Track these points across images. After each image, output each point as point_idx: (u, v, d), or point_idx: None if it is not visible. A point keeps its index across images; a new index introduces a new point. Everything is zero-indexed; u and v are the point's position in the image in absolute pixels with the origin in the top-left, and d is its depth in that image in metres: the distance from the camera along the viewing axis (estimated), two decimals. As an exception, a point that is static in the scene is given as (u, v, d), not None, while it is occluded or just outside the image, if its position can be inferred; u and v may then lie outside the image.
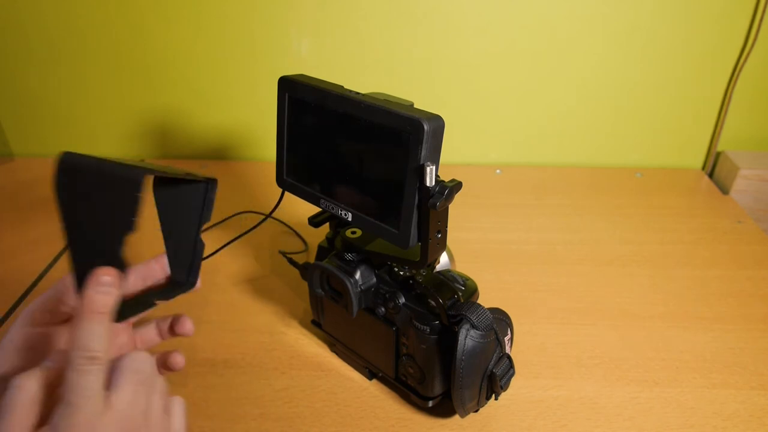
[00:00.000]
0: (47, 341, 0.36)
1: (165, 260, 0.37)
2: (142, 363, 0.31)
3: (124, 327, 0.40)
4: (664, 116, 0.85)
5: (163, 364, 0.40)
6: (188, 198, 0.37)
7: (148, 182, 0.31)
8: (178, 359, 0.39)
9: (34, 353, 0.35)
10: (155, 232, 0.36)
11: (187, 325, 0.40)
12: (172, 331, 0.40)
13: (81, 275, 0.30)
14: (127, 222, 0.30)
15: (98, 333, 0.29)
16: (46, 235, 0.70)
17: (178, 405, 0.34)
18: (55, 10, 0.80)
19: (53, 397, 0.29)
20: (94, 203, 0.30)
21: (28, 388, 0.29)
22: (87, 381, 0.28)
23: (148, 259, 0.37)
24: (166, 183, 0.36)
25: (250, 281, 0.63)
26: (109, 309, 0.30)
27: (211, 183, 0.37)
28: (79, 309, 0.29)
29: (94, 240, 0.31)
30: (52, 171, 0.29)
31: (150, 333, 0.41)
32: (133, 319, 0.40)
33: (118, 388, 0.30)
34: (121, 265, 0.31)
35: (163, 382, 0.33)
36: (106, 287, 0.30)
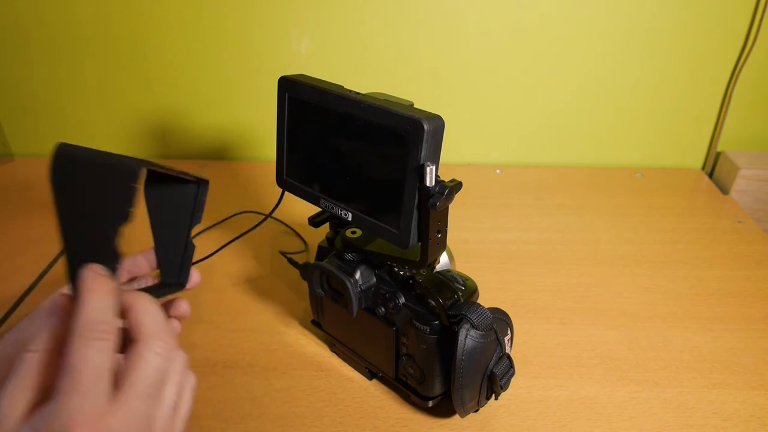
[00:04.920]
0: None
1: (152, 255, 0.37)
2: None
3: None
4: (664, 116, 0.85)
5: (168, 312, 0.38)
6: (179, 198, 0.37)
7: (142, 176, 0.30)
8: (183, 307, 0.38)
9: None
10: (147, 226, 0.36)
11: (183, 307, 0.39)
12: (168, 313, 0.39)
13: (74, 267, 0.30)
14: (122, 213, 0.29)
15: (105, 305, 0.28)
16: (47, 235, 0.70)
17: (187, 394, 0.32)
18: (55, 9, 0.80)
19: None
20: (89, 194, 0.30)
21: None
22: (96, 358, 0.26)
23: (135, 254, 0.37)
24: (157, 182, 0.36)
25: (250, 281, 0.63)
26: (110, 287, 0.29)
27: (202, 185, 0.37)
28: (78, 293, 0.28)
29: (88, 231, 0.30)
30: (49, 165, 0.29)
31: None
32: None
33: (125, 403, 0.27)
34: (115, 256, 0.30)
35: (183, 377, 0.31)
36: (101, 270, 0.29)
